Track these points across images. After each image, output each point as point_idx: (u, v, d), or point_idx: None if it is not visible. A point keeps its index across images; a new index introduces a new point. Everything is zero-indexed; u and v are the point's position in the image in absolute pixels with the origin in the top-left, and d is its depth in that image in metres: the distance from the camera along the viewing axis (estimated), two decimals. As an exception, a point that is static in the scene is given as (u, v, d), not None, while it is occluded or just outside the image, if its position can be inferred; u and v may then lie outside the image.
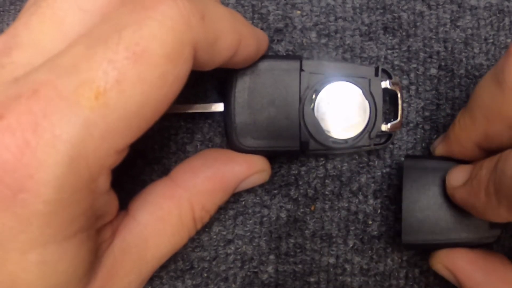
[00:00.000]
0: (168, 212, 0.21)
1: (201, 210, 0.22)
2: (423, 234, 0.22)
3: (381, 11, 0.26)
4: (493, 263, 0.22)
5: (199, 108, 0.24)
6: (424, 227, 0.22)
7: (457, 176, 0.22)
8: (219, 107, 0.24)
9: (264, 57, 0.23)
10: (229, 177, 0.22)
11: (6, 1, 0.27)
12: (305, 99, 0.23)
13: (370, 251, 0.26)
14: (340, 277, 0.25)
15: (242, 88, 0.22)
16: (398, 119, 0.24)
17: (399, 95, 0.24)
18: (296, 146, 0.23)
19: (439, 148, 0.24)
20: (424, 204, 0.23)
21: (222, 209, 0.26)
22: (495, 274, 0.22)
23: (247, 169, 0.23)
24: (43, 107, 0.14)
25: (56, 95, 0.15)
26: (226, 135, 0.23)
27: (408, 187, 0.23)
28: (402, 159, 0.26)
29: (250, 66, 0.22)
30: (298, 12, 0.26)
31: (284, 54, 0.26)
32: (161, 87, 0.16)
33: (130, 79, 0.15)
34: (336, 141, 0.23)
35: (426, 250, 0.24)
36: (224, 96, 0.23)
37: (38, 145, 0.14)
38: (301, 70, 0.23)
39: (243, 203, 0.26)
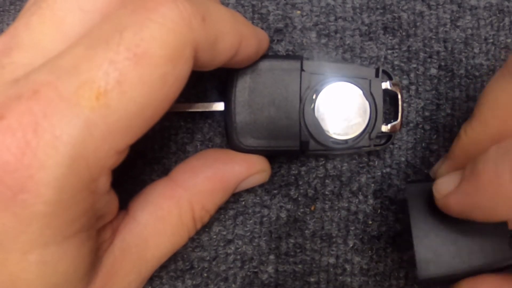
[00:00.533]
0: (168, 212, 0.21)
1: (201, 210, 0.22)
2: (440, 267, 0.20)
3: (381, 11, 0.26)
4: None
5: (200, 107, 0.24)
6: (440, 258, 0.20)
7: (446, 182, 0.20)
8: (219, 106, 0.24)
9: (265, 56, 0.23)
10: (229, 177, 0.22)
11: (6, 1, 0.27)
12: (305, 99, 0.23)
13: (370, 251, 0.26)
14: (340, 277, 0.26)
15: (242, 87, 0.23)
16: (398, 120, 0.24)
17: (399, 96, 0.24)
18: (296, 146, 0.23)
19: (443, 169, 0.22)
20: (436, 233, 0.21)
21: (222, 209, 0.26)
22: None
23: (247, 169, 0.23)
24: (44, 108, 0.14)
25: (56, 96, 0.15)
26: (226, 135, 0.23)
27: (415, 217, 0.21)
28: (403, 159, 0.26)
29: (251, 65, 0.22)
30: (298, 12, 0.26)
31: (284, 54, 0.26)
32: (161, 88, 0.16)
33: (131, 80, 0.15)
34: (336, 141, 0.23)
35: (445, 282, 0.22)
36: (225, 95, 0.23)
37: (38, 146, 0.14)
38: (302, 70, 0.23)
39: (243, 203, 0.26)
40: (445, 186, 0.20)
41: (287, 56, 0.24)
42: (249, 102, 0.22)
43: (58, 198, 0.15)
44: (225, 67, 0.21)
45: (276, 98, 0.23)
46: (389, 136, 0.24)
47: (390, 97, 0.25)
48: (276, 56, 0.24)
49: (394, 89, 0.23)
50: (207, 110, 0.24)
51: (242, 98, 0.22)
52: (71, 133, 0.14)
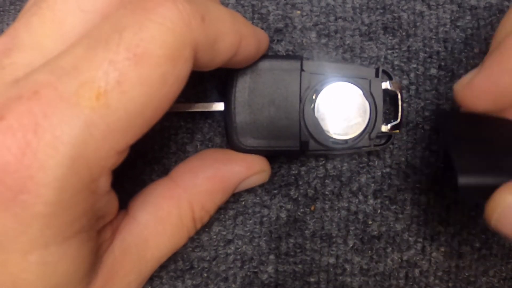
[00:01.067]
0: (168, 212, 0.21)
1: (201, 210, 0.22)
2: (480, 176, 0.18)
3: (381, 11, 0.26)
4: None
5: (200, 107, 0.24)
6: (479, 169, 0.18)
7: (468, 75, 0.19)
8: (219, 106, 0.24)
9: (264, 56, 0.23)
10: (229, 178, 0.22)
11: (6, 1, 0.27)
12: (305, 99, 0.23)
13: (370, 251, 0.26)
14: (340, 277, 0.26)
15: (242, 87, 0.23)
16: (398, 120, 0.24)
17: (399, 96, 0.24)
18: (296, 146, 0.23)
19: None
20: (473, 148, 0.19)
21: (222, 209, 0.26)
22: None
23: (246, 170, 0.23)
24: (44, 108, 0.14)
25: (56, 96, 0.15)
26: (226, 135, 0.23)
27: (451, 139, 0.19)
28: (403, 159, 0.26)
29: (251, 65, 0.23)
30: (298, 12, 0.26)
31: (284, 54, 0.26)
32: (161, 88, 0.16)
33: (131, 80, 0.15)
34: (336, 141, 0.23)
35: (484, 194, 0.19)
36: (225, 95, 0.23)
37: (38, 146, 0.14)
38: (302, 70, 0.23)
39: (243, 203, 0.26)
40: (466, 77, 0.19)
41: (287, 56, 0.24)
42: (249, 102, 0.22)
43: (59, 198, 0.15)
44: (225, 67, 0.21)
45: (276, 98, 0.23)
46: (389, 136, 0.24)
47: (390, 97, 0.25)
48: (276, 56, 0.24)
49: (394, 89, 0.23)
50: (207, 110, 0.24)
51: (242, 98, 0.22)
52: (71, 133, 0.14)
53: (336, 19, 0.26)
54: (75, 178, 0.15)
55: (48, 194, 0.15)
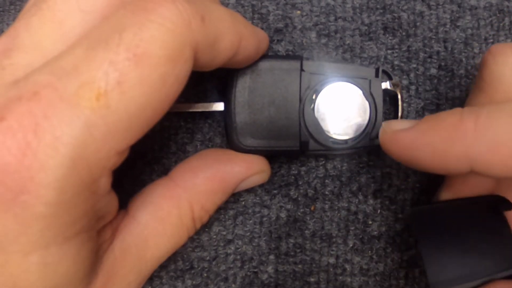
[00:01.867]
0: (168, 212, 0.21)
1: (201, 210, 0.22)
2: (451, 279, 0.20)
3: (381, 11, 0.26)
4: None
5: (200, 108, 0.24)
6: (450, 271, 0.20)
7: (401, 122, 0.19)
8: (219, 106, 0.24)
9: (264, 57, 0.23)
10: (229, 178, 0.22)
11: (6, 1, 0.27)
12: (305, 99, 0.23)
13: (370, 251, 0.26)
14: (340, 277, 0.26)
15: (242, 87, 0.23)
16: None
17: (399, 96, 0.24)
18: (296, 146, 0.23)
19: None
20: (444, 248, 0.20)
21: (222, 209, 0.26)
22: None
23: (246, 170, 0.23)
24: (44, 109, 0.14)
25: (56, 97, 0.15)
26: (226, 135, 0.23)
27: (422, 238, 0.20)
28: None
29: (251, 65, 0.23)
30: (298, 12, 0.26)
31: (284, 54, 0.26)
32: (161, 88, 0.16)
33: (131, 80, 0.15)
34: (336, 141, 0.23)
35: None
36: (225, 95, 0.23)
37: (39, 147, 0.14)
38: (302, 70, 0.23)
39: (243, 203, 0.26)
40: (398, 124, 0.19)
41: (287, 56, 0.24)
42: (249, 102, 0.22)
43: (59, 199, 0.15)
44: (225, 67, 0.21)
45: (276, 98, 0.23)
46: None
47: (390, 97, 0.25)
48: (276, 56, 0.24)
49: (394, 89, 0.23)
50: (207, 110, 0.24)
51: (242, 98, 0.22)
52: (72, 134, 0.14)
53: (336, 19, 0.26)
54: (75, 178, 0.15)
55: (48, 195, 0.15)
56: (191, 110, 0.24)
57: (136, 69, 0.15)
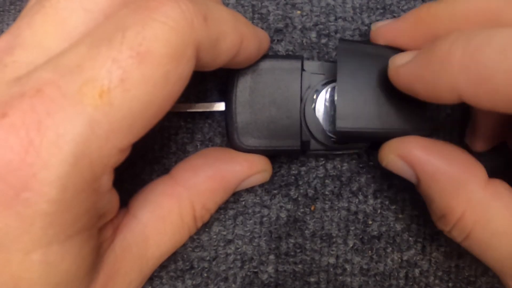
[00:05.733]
0: (169, 211, 0.21)
1: (202, 209, 0.22)
2: (359, 121, 0.21)
3: (381, 11, 0.26)
4: (446, 148, 0.21)
5: (201, 107, 0.24)
6: (359, 114, 0.21)
7: (404, 56, 0.20)
8: (220, 106, 0.24)
9: (265, 56, 0.23)
10: (230, 177, 0.22)
11: (6, 1, 0.27)
12: (306, 99, 0.23)
13: (370, 251, 0.26)
14: (340, 277, 0.25)
15: (243, 87, 0.23)
16: None
17: None
18: (297, 146, 0.23)
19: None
20: (360, 92, 0.21)
21: (222, 209, 0.26)
22: (451, 158, 0.20)
23: (248, 169, 0.23)
24: (47, 106, 0.14)
25: (59, 94, 0.15)
26: (227, 135, 0.23)
27: (343, 73, 0.21)
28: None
29: (252, 65, 0.23)
30: (298, 12, 0.26)
31: (284, 54, 0.26)
32: (164, 86, 0.16)
33: (134, 78, 0.15)
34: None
35: (362, 139, 0.23)
36: (225, 95, 0.23)
37: (41, 144, 0.14)
38: (303, 70, 0.23)
39: (243, 203, 0.26)
40: (401, 58, 0.20)
41: (288, 56, 0.24)
42: (250, 102, 0.23)
43: (61, 197, 0.15)
44: (226, 68, 0.21)
45: (277, 98, 0.23)
46: None
47: None
48: (277, 56, 0.24)
49: None
50: (208, 110, 0.24)
51: (243, 98, 0.23)
52: (74, 131, 0.14)
53: (336, 19, 0.26)
54: (78, 176, 0.15)
55: (51, 192, 0.14)
56: (192, 110, 0.24)
57: (139, 67, 0.15)
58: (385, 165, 0.22)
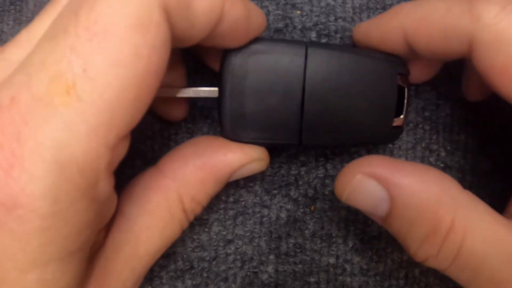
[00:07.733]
0: (157, 205, 0.20)
1: (192, 201, 0.20)
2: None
3: (381, 11, 0.26)
4: (411, 164, 0.19)
5: (191, 93, 0.22)
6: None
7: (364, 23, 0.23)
8: (213, 93, 0.21)
9: (265, 39, 0.21)
10: (221, 166, 0.21)
11: (6, 1, 0.27)
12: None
13: (370, 251, 0.26)
14: (340, 277, 0.25)
15: (238, 72, 0.20)
16: (402, 115, 0.22)
17: (406, 92, 0.22)
18: (295, 140, 0.21)
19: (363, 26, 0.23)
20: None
21: (222, 209, 0.26)
22: (422, 171, 0.18)
23: (241, 157, 0.21)
24: (23, 114, 0.13)
25: (31, 98, 0.13)
26: (220, 125, 0.21)
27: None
28: (403, 159, 0.26)
29: (249, 48, 0.20)
30: (298, 12, 0.26)
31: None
32: (136, 63, 0.14)
33: (97, 64, 0.13)
34: None
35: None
36: (219, 81, 0.21)
37: (23, 156, 0.13)
38: (307, 58, 0.21)
39: (243, 203, 0.26)
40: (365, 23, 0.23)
41: (291, 41, 0.22)
42: (245, 90, 0.20)
43: (55, 209, 0.14)
44: (217, 48, 0.19)
45: (276, 86, 0.20)
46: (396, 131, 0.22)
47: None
48: (279, 40, 0.22)
49: (402, 83, 0.22)
50: (199, 96, 0.22)
51: (237, 85, 0.20)
52: (53, 136, 0.13)
53: (336, 19, 0.26)
54: (68, 185, 0.14)
55: (42, 206, 0.13)
56: (182, 96, 0.22)
57: (100, 50, 0.13)
58: (347, 196, 0.20)
